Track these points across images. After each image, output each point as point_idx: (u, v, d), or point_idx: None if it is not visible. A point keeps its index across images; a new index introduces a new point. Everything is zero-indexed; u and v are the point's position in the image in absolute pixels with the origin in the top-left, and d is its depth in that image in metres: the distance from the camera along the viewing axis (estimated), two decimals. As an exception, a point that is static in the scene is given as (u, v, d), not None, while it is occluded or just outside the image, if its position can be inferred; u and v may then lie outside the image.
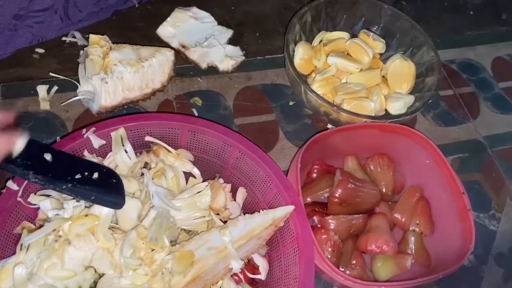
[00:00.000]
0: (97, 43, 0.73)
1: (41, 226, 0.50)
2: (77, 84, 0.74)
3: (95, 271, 0.51)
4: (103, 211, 0.51)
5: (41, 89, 0.75)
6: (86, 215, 0.50)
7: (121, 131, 0.60)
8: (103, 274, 0.51)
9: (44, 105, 0.75)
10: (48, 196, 0.54)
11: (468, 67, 0.97)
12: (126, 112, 0.76)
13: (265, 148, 0.78)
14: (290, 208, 0.59)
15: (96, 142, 0.59)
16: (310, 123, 0.82)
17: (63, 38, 0.82)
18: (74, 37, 0.82)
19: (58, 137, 0.71)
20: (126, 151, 0.60)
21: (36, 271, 0.48)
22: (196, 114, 0.79)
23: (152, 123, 0.62)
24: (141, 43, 0.80)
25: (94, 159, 0.59)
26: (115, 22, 0.87)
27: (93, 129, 0.58)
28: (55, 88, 0.76)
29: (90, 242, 0.50)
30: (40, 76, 0.78)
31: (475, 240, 0.63)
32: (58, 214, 0.50)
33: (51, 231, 0.49)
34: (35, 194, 0.53)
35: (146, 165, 0.62)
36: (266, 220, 0.58)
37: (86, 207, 0.52)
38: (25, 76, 0.77)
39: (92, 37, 0.74)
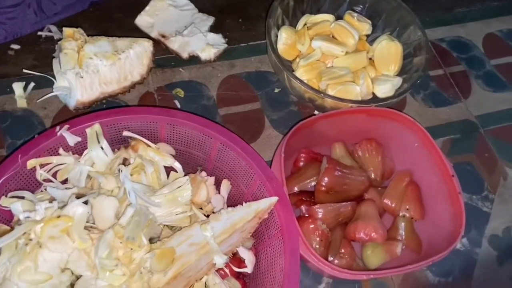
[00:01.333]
0: (71, 37, 0.70)
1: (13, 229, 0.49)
2: (54, 80, 0.72)
3: (72, 273, 0.49)
4: (77, 211, 0.49)
5: (17, 87, 0.73)
6: (59, 216, 0.48)
7: (96, 127, 0.58)
8: (80, 276, 0.49)
9: (21, 103, 0.73)
10: (21, 198, 0.52)
11: (458, 45, 0.95)
12: (105, 106, 0.74)
13: (250, 137, 0.76)
14: (274, 199, 0.57)
15: (71, 139, 0.57)
16: (296, 110, 0.80)
17: (39, 33, 0.80)
18: (50, 31, 0.80)
19: (36, 135, 0.69)
20: (102, 148, 0.58)
21: (9, 276, 0.46)
22: (178, 106, 0.77)
23: (129, 117, 0.60)
24: (120, 34, 0.77)
25: (70, 157, 0.58)
26: (92, 13, 0.84)
27: (66, 126, 0.56)
28: (32, 85, 0.74)
29: (66, 243, 0.48)
30: (16, 73, 0.75)
31: (468, 223, 0.61)
32: (29, 217, 0.48)
33: (21, 234, 0.47)
34: (6, 196, 0.52)
35: (125, 161, 0.60)
36: (249, 212, 0.56)
37: (59, 208, 0.50)
38: (0, 73, 0.75)
39: (66, 30, 0.71)
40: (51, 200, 0.54)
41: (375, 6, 0.85)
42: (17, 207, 0.50)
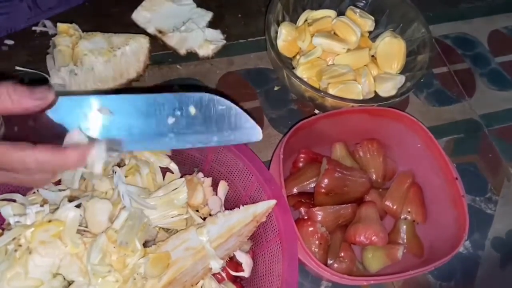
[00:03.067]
0: (66, 32, 0.69)
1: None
2: (48, 77, 0.70)
3: (64, 279, 0.48)
4: (69, 215, 0.48)
5: (11, 84, 0.72)
6: (50, 221, 0.47)
7: (90, 127, 0.56)
8: (73, 282, 0.48)
9: (15, 100, 0.71)
10: (12, 200, 0.51)
11: (463, 42, 0.93)
12: (101, 104, 0.72)
13: (249, 136, 0.74)
14: (272, 202, 0.55)
15: (64, 139, 0.56)
16: (296, 109, 0.78)
17: (33, 28, 0.78)
18: (44, 26, 0.78)
19: (30, 134, 0.68)
20: (96, 148, 0.56)
21: (-2, 282, 0.45)
22: (176, 103, 0.75)
23: (123, 117, 0.59)
24: (116, 30, 0.75)
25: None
26: (88, 8, 0.82)
27: (58, 126, 0.55)
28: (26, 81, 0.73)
29: (57, 248, 0.47)
30: (10, 69, 0.74)
31: (471, 225, 0.60)
32: (19, 221, 0.47)
33: (10, 240, 0.45)
34: (-5, 199, 0.50)
35: (120, 162, 0.59)
36: (246, 216, 0.55)
37: (51, 210, 0.49)
38: (-6, 70, 0.74)
39: (60, 26, 0.70)
40: (44, 202, 0.53)
41: (378, 1, 0.83)
42: (7, 211, 0.48)
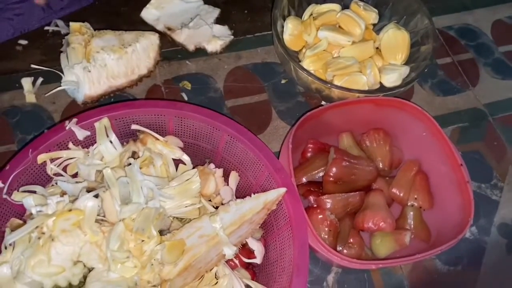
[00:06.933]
0: (78, 31, 0.71)
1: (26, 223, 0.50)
2: (62, 74, 0.72)
3: (84, 266, 0.50)
4: (88, 205, 0.50)
5: (26, 82, 0.74)
6: (70, 210, 0.49)
7: (105, 120, 0.58)
8: (93, 268, 0.50)
9: (30, 98, 0.73)
10: (32, 192, 0.53)
11: (466, 32, 0.94)
12: (113, 100, 0.75)
13: (258, 129, 0.76)
14: (282, 190, 0.57)
15: (80, 133, 0.58)
16: (303, 101, 0.80)
17: (46, 28, 0.80)
18: (56, 26, 0.80)
19: (45, 130, 0.70)
20: (111, 141, 0.58)
21: (23, 269, 0.47)
22: (186, 98, 0.77)
23: (137, 111, 0.61)
24: (126, 28, 0.77)
25: (80, 151, 0.58)
26: (98, 7, 0.84)
27: (74, 120, 0.57)
28: (40, 80, 0.75)
29: (77, 236, 0.49)
30: (25, 68, 0.76)
31: (477, 211, 0.61)
32: (41, 211, 0.49)
33: (33, 228, 0.48)
34: (17, 190, 0.53)
35: (134, 154, 0.61)
36: (257, 204, 0.57)
37: (70, 201, 0.51)
38: (9, 69, 0.76)
39: (73, 24, 0.72)
40: (62, 194, 0.55)
41: (381, -6, 0.85)
42: (29, 202, 0.50)
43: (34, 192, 0.54)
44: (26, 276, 0.46)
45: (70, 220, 0.48)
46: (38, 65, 0.75)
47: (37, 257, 0.47)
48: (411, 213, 0.67)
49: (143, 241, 0.51)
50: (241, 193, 0.64)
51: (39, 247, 0.47)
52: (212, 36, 0.81)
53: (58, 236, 0.48)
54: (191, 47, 0.81)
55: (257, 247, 0.60)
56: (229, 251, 0.54)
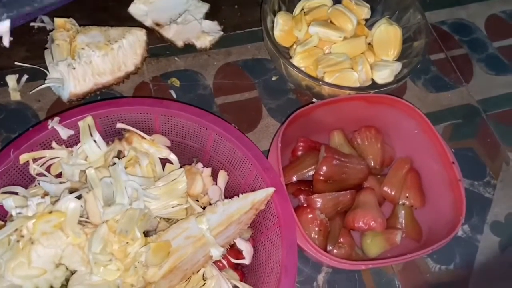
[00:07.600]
0: (63, 27, 0.69)
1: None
2: (47, 72, 0.70)
3: (66, 268, 0.49)
4: (69, 206, 0.49)
5: (11, 79, 0.72)
6: (51, 212, 0.47)
7: (88, 119, 0.57)
8: (75, 271, 0.49)
9: (15, 96, 0.72)
10: (14, 193, 0.51)
11: (460, 27, 0.93)
12: (100, 98, 0.73)
13: (248, 127, 0.75)
14: (270, 190, 0.56)
15: (64, 132, 0.56)
16: (294, 98, 0.79)
17: (31, 24, 0.78)
18: (42, 21, 0.79)
19: (30, 128, 0.69)
20: (95, 141, 0.57)
21: (2, 272, 0.46)
22: (174, 95, 0.76)
23: (122, 109, 0.59)
24: (113, 23, 0.76)
25: (63, 150, 0.57)
26: (85, 3, 0.83)
27: (57, 118, 0.56)
28: (25, 77, 0.73)
29: (59, 238, 0.48)
30: (9, 65, 0.74)
31: (470, 209, 0.61)
32: (20, 213, 0.48)
33: (12, 231, 0.46)
34: (-1, 192, 0.51)
35: (119, 154, 0.60)
36: (245, 204, 0.56)
37: (52, 203, 0.49)
38: (-7, 66, 0.74)
39: (57, 20, 0.70)
40: (45, 194, 0.54)
41: (374, -12, 0.83)
42: (9, 203, 0.49)
43: (16, 193, 0.53)
44: (5, 280, 0.45)
45: (51, 222, 0.47)
46: (23, 62, 0.73)
47: (17, 260, 0.46)
48: (403, 211, 0.66)
49: (127, 243, 0.50)
50: (230, 192, 0.63)
51: (18, 250, 0.46)
52: (201, 31, 0.80)
53: (39, 238, 0.47)
54: (179, 43, 0.79)
55: (245, 247, 0.59)
56: (216, 252, 0.53)
